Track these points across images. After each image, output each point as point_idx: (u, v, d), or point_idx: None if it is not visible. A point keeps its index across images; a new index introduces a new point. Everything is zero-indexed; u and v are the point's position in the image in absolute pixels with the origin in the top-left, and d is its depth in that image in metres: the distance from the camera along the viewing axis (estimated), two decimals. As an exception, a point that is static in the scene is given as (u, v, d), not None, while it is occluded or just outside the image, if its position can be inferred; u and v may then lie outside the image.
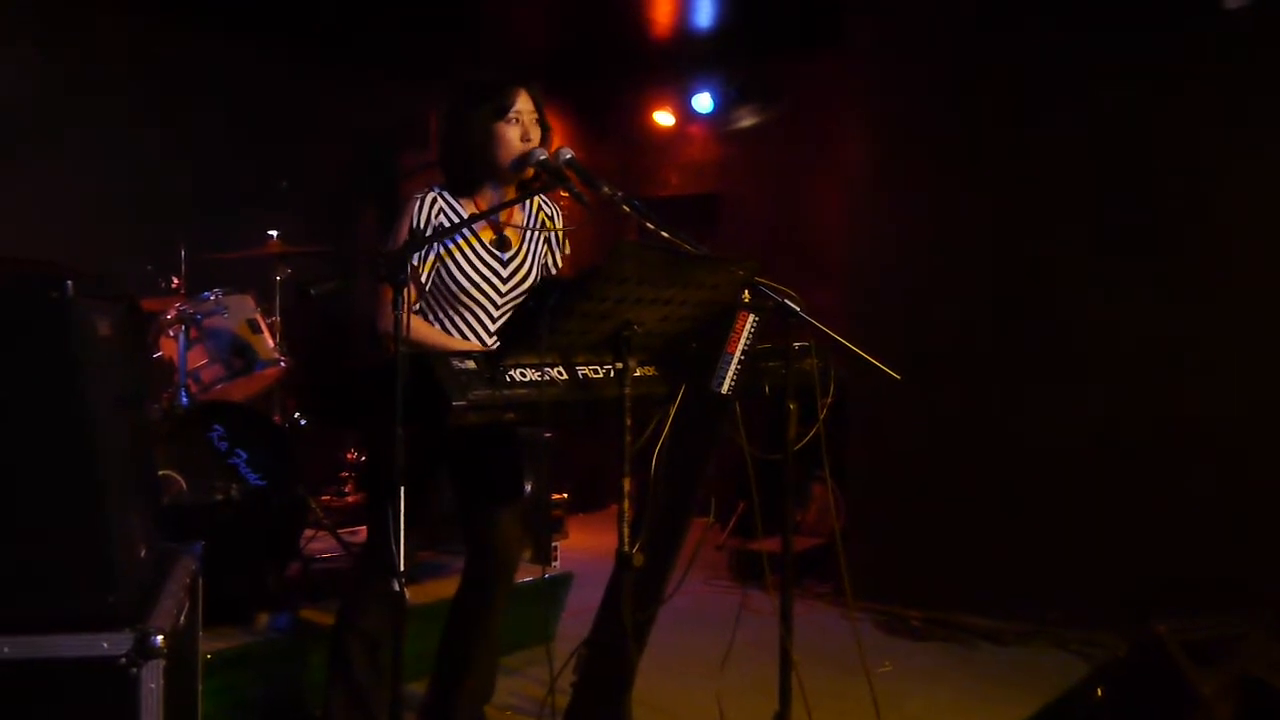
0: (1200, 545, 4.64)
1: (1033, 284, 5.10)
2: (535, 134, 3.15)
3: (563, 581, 4.86)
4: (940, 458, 5.32)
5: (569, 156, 2.96)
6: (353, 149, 7.18)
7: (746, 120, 7.88)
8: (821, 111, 7.08)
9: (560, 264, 3.36)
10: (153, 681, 2.05)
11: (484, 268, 3.15)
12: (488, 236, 3.18)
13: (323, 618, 4.02)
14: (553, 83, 8.03)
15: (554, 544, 5.83)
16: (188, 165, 5.78)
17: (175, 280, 4.81)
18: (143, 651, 2.05)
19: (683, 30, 7.68)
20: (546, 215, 3.31)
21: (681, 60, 7.98)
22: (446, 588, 4.04)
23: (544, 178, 3.06)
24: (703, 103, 7.97)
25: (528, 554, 3.69)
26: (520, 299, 3.21)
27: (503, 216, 3.20)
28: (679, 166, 8.35)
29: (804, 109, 7.45)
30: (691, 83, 8.00)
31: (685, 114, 8.18)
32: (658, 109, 8.24)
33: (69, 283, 2.08)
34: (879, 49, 5.65)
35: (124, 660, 2.05)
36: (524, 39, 7.65)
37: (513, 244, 3.22)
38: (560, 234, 3.34)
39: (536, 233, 3.26)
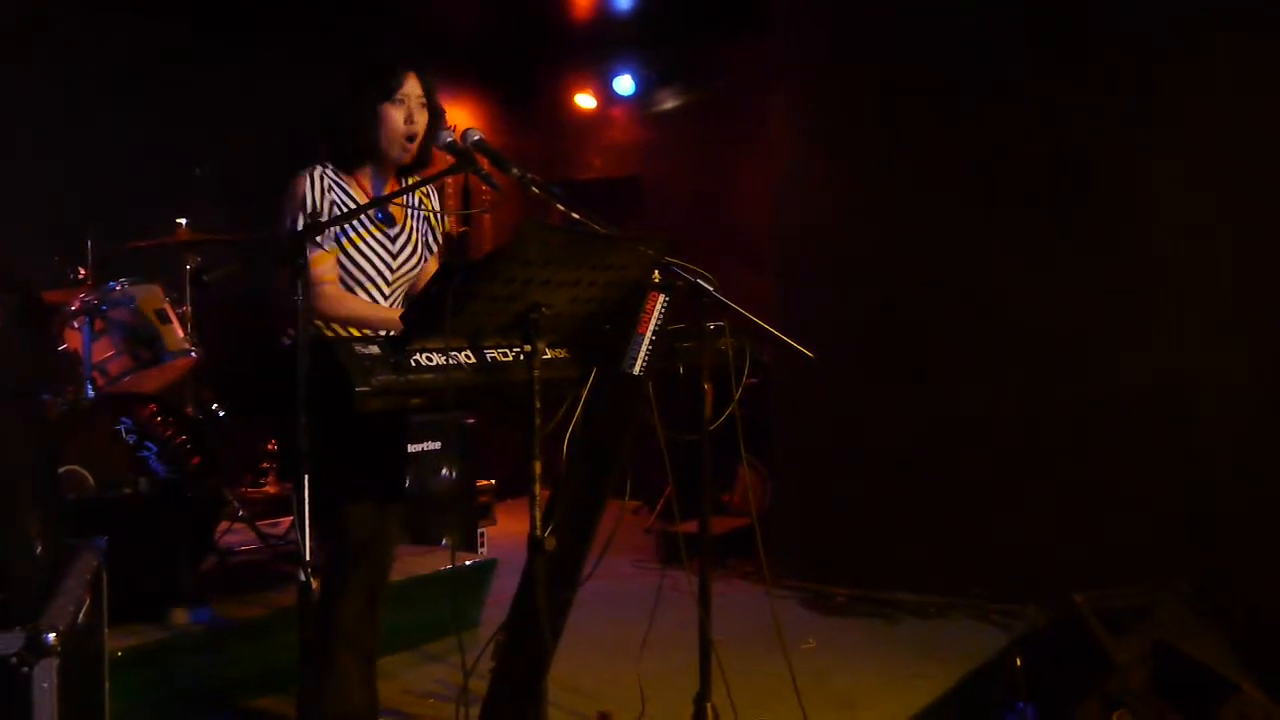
0: (1116, 517, 4.71)
1: (956, 265, 5.12)
2: (421, 118, 3.12)
3: (487, 568, 4.83)
4: (865, 436, 5.34)
5: (477, 138, 2.90)
6: (270, 134, 7.04)
7: (668, 103, 7.88)
8: (744, 94, 7.10)
9: (440, 241, 3.33)
10: (45, 680, 2.01)
11: (377, 245, 3.13)
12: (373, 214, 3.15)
13: (240, 611, 3.96)
14: (474, 65, 8.01)
15: (481, 530, 5.80)
16: (96, 153, 5.62)
17: (82, 271, 4.69)
18: (35, 650, 2.00)
19: (604, 12, 7.66)
20: (424, 193, 3.29)
21: (603, 42, 7.95)
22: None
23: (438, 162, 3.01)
24: (624, 85, 7.95)
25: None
26: (409, 276, 3.19)
27: (389, 194, 3.16)
28: (601, 149, 8.32)
29: (726, 91, 7.47)
30: (613, 65, 7.97)
31: (607, 96, 8.15)
32: (579, 92, 8.20)
33: (-52, 271, 2.01)
34: (801, 30, 5.64)
35: (15, 659, 2.00)
36: (446, 21, 7.57)
37: (397, 220, 3.19)
38: (436, 213, 3.33)
39: (419, 210, 3.24)
